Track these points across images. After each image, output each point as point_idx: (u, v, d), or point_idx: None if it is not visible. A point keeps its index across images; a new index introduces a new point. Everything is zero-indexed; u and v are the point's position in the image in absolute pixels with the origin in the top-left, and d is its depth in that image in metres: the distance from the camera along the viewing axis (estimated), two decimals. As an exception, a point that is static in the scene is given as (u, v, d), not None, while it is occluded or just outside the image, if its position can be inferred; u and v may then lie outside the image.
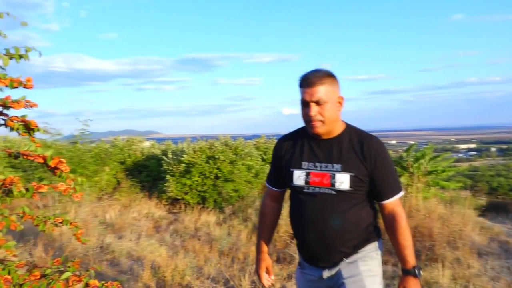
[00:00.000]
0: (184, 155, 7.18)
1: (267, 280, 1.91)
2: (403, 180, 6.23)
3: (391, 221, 1.66)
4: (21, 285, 1.18)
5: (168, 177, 7.15)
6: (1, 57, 1.32)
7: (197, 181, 7.04)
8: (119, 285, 1.29)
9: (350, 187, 1.60)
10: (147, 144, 9.47)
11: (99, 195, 7.05)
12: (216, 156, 7.18)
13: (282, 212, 2.00)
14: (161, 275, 3.69)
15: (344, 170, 1.61)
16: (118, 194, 7.33)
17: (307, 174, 1.66)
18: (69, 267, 1.30)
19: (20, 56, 1.40)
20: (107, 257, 4.35)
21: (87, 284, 1.24)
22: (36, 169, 6.54)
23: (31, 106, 1.30)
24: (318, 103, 1.59)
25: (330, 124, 1.63)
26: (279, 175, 1.82)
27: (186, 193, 7.08)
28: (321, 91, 1.58)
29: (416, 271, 1.61)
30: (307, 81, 1.60)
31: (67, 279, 1.24)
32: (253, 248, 3.49)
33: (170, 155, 7.46)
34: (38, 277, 1.25)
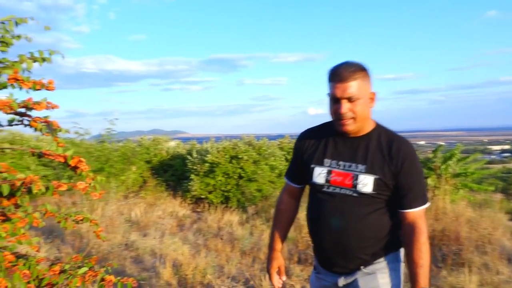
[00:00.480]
0: (208, 155, 7.26)
1: (278, 281, 1.80)
2: (430, 181, 6.07)
3: (409, 234, 1.52)
4: (40, 279, 1.23)
5: (192, 176, 7.25)
6: (25, 60, 1.38)
7: (220, 180, 7.10)
8: (134, 282, 1.32)
9: (373, 190, 1.51)
10: (172, 143, 9.65)
11: (125, 193, 7.23)
12: (240, 156, 7.22)
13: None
14: (182, 273, 3.74)
15: (368, 171, 1.52)
16: (144, 193, 7.48)
17: (329, 172, 1.57)
18: (86, 263, 1.35)
19: (43, 59, 1.45)
20: (132, 254, 4.45)
21: (102, 279, 1.28)
22: (66, 167, 6.74)
23: (52, 108, 1.35)
24: (350, 99, 1.48)
25: (361, 122, 1.53)
26: (299, 170, 1.73)
27: (210, 192, 7.15)
28: (354, 86, 1.47)
29: None
30: (339, 75, 1.48)
31: (83, 274, 1.28)
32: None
33: (194, 155, 7.56)
34: (58, 272, 1.30)
